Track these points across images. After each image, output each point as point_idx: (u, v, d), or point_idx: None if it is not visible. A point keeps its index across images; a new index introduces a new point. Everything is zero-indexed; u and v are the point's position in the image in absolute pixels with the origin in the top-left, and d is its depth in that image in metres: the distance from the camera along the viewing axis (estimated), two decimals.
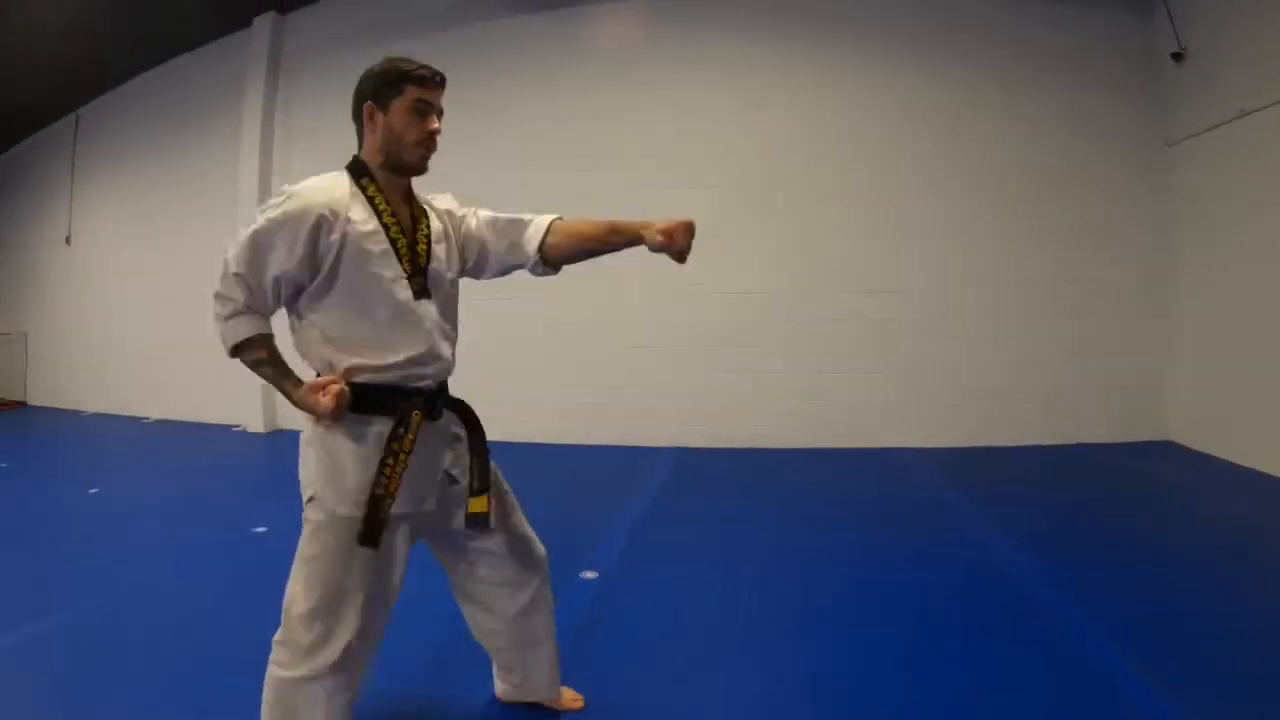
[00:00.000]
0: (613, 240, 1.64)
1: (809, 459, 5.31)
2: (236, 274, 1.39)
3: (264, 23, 6.91)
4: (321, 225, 1.38)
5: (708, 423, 5.77)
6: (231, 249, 1.40)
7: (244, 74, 6.97)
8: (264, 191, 6.67)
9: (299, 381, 1.44)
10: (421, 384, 1.51)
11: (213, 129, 7.48)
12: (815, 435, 5.59)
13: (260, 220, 1.39)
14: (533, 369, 6.11)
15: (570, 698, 1.91)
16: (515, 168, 5.91)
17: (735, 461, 5.30)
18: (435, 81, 1.52)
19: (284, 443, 6.32)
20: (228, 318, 1.41)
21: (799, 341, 5.74)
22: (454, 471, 1.60)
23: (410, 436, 1.44)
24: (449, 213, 1.67)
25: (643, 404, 5.91)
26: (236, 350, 1.43)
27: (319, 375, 1.46)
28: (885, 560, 3.19)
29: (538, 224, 1.66)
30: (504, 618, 1.74)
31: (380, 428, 1.45)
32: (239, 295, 1.40)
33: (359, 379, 1.44)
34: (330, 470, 1.43)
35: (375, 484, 1.40)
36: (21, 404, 10.53)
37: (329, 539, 1.42)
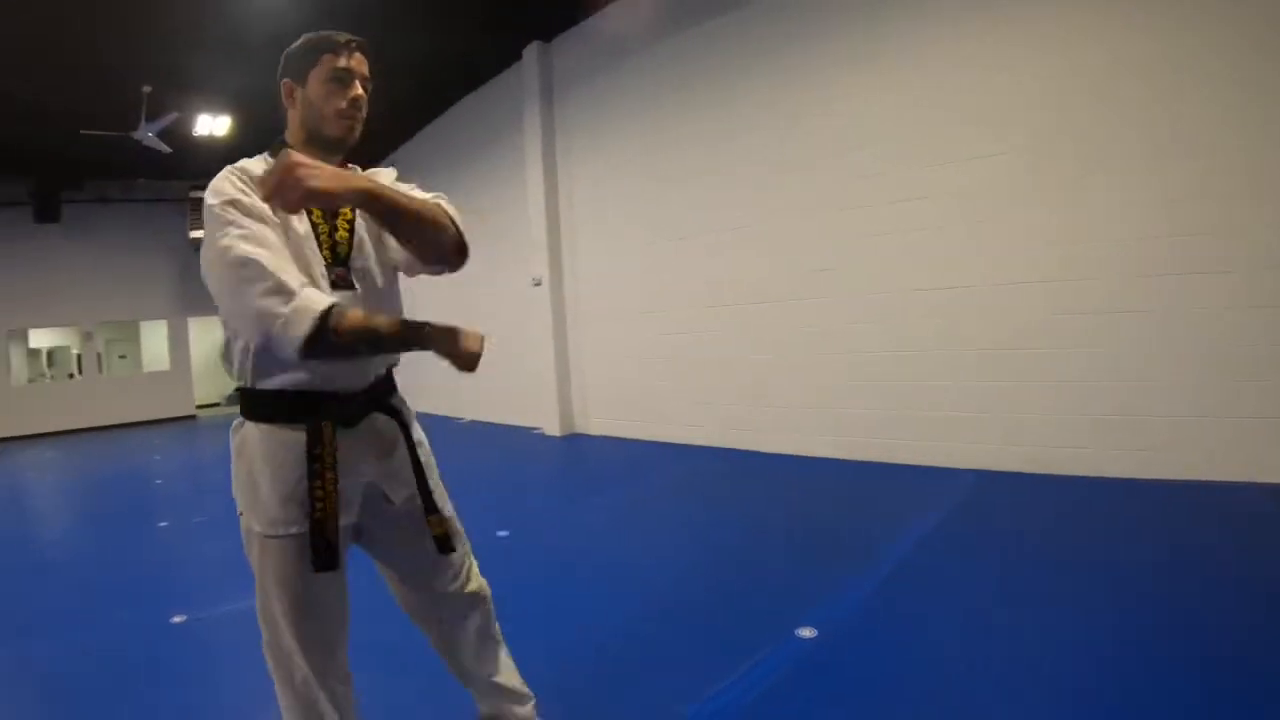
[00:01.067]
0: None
1: (1135, 493, 3.56)
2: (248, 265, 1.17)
3: (532, 52, 7.37)
4: (236, 205, 1.21)
5: (1012, 440, 4.19)
6: (222, 257, 1.19)
7: (521, 102, 7.52)
8: (551, 209, 7.19)
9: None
10: (337, 387, 1.34)
11: (499, 158, 8.28)
12: (1145, 464, 3.74)
13: (207, 226, 1.23)
14: (808, 375, 5.28)
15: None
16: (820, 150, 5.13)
17: (1047, 490, 3.75)
18: (351, 47, 1.39)
19: (580, 445, 6.77)
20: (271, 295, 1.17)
21: (1133, 344, 3.77)
22: (384, 486, 1.44)
23: (329, 449, 1.30)
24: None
25: (937, 415, 4.49)
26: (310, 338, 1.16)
27: (239, 387, 1.37)
28: None
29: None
30: (443, 635, 1.61)
31: (297, 436, 1.31)
32: (281, 276, 1.18)
33: (271, 384, 1.31)
34: (248, 485, 1.33)
35: (314, 507, 1.28)
36: None
37: (256, 556, 1.34)
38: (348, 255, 1.39)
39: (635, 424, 6.51)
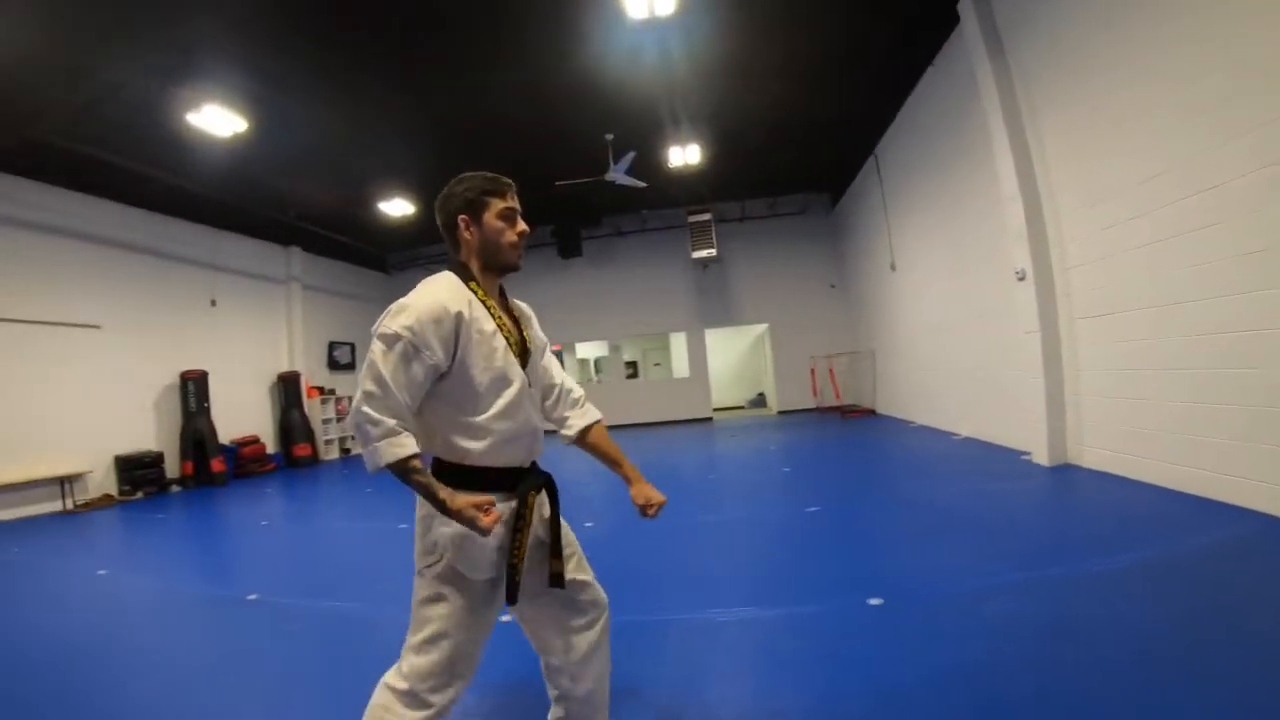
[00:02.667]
0: (613, 468, 1.91)
1: None
2: (381, 394, 1.52)
3: (967, 4, 6.15)
4: (460, 319, 1.58)
5: None
6: (368, 376, 1.53)
7: (970, 66, 6.29)
8: (1026, 183, 5.77)
9: (452, 492, 1.54)
10: (527, 464, 1.74)
11: (961, 137, 7.25)
12: None
13: (398, 331, 1.53)
14: None
15: None
16: None
17: None
18: (512, 191, 1.75)
19: (1069, 479, 5.22)
20: (380, 439, 1.51)
21: None
22: (542, 534, 1.77)
23: (530, 511, 1.68)
24: (531, 319, 1.88)
25: None
26: (390, 468, 1.52)
27: (441, 459, 1.65)
28: None
29: (586, 415, 1.94)
30: (567, 656, 1.82)
31: (501, 504, 1.64)
32: (388, 417, 1.52)
33: (482, 462, 1.64)
34: (464, 543, 1.59)
35: (511, 554, 1.64)
36: (871, 412, 12.66)
37: (458, 600, 1.60)
38: (528, 355, 1.77)
39: (1149, 462, 4.71)
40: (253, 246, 12.82)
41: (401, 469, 1.52)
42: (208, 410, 10.80)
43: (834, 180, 13.59)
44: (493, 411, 1.62)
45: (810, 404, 14.85)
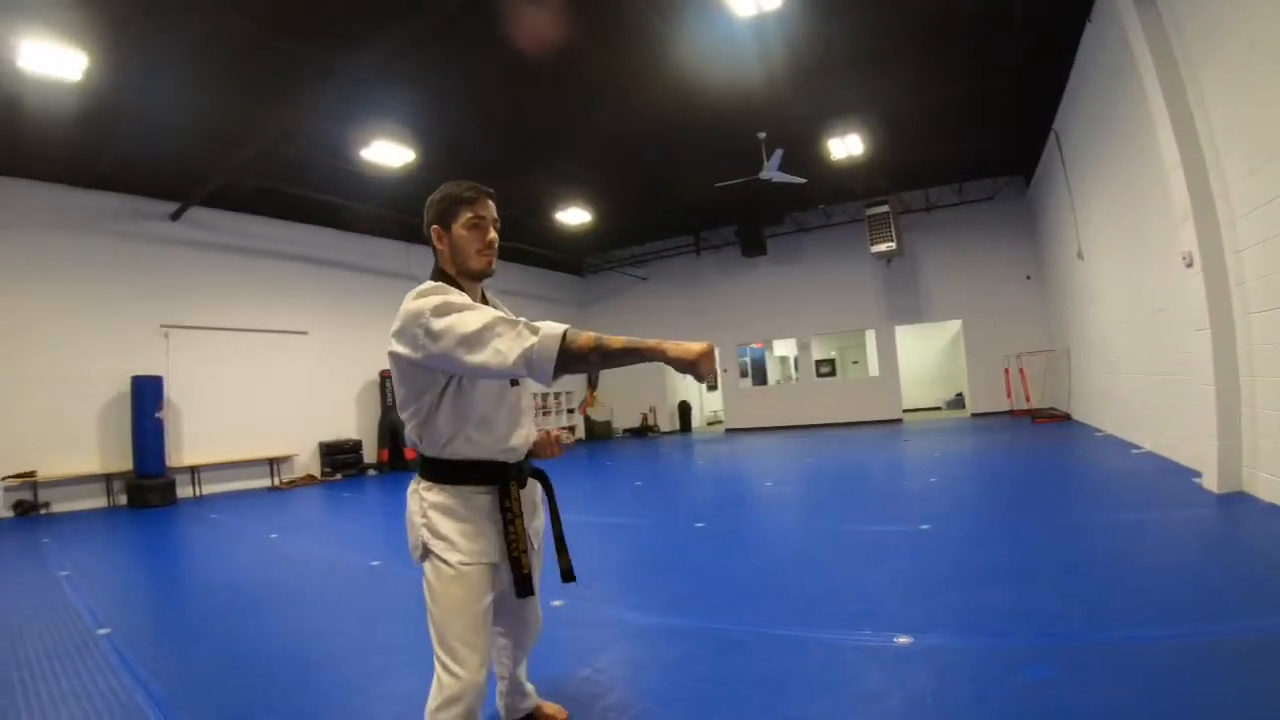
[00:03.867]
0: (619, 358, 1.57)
1: None
2: (482, 321, 1.53)
3: None
4: (449, 299, 1.62)
5: None
6: (454, 336, 1.53)
7: (1119, 21, 5.31)
8: (1188, 151, 4.78)
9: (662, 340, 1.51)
10: (510, 459, 1.77)
11: (1123, 103, 6.15)
12: None
13: (431, 306, 1.58)
14: None
15: (554, 710, 2.16)
16: None
17: None
18: (480, 200, 1.78)
19: (1237, 511, 4.25)
20: (528, 334, 1.51)
21: None
22: (530, 534, 1.83)
23: (515, 503, 1.73)
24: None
25: None
26: (564, 350, 1.49)
27: (424, 455, 1.73)
28: None
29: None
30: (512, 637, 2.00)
31: (486, 497, 1.73)
32: (509, 322, 1.54)
33: (468, 455, 1.71)
34: (464, 531, 1.69)
35: (511, 547, 1.72)
36: (1066, 417, 11.17)
37: (459, 587, 1.66)
38: None
39: None
40: None
41: (572, 342, 1.48)
42: None
43: (1023, 161, 12.12)
44: (480, 406, 1.70)
45: (1006, 406, 13.35)
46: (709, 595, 3.57)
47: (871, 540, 4.53)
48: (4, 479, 8.56)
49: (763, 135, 9.77)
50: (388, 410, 12.49)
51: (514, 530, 1.70)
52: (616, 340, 1.48)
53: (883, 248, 13.43)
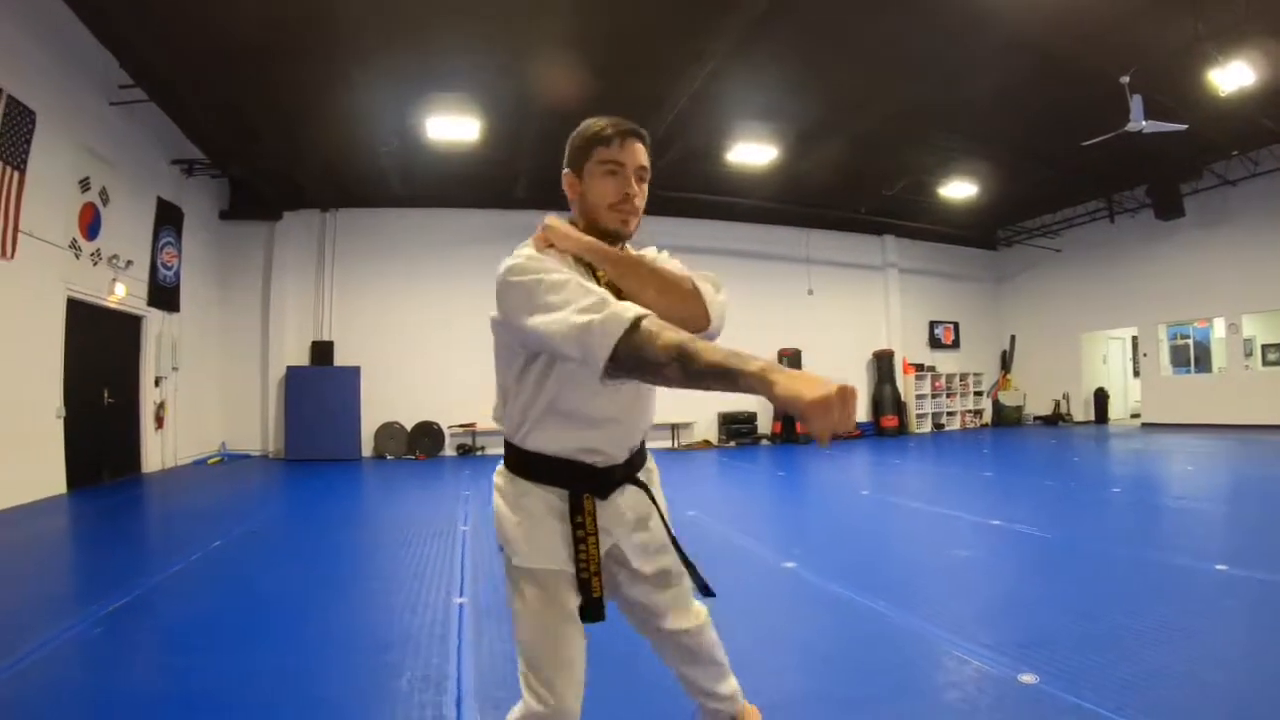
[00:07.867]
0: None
1: None
2: (567, 285, 1.24)
3: None
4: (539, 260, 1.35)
5: None
6: (533, 304, 1.25)
7: None
8: None
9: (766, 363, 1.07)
10: (598, 462, 1.43)
11: None
12: None
13: (522, 264, 1.31)
14: None
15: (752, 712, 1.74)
16: None
17: None
18: (621, 140, 1.41)
19: None
20: (592, 305, 1.20)
21: None
22: (630, 556, 1.50)
23: (589, 519, 1.41)
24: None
25: None
26: (622, 342, 1.14)
27: (508, 442, 1.47)
28: None
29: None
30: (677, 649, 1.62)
31: (557, 498, 1.42)
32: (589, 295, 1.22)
33: (543, 448, 1.41)
34: (526, 530, 1.41)
35: (579, 569, 1.39)
36: None
37: (531, 587, 1.40)
38: None
39: None
40: (844, 239, 15.10)
41: (645, 336, 1.14)
42: None
43: None
44: (577, 391, 1.36)
45: None
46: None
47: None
48: (450, 427, 12.01)
49: (1125, 80, 8.19)
50: None
51: (584, 552, 1.39)
52: (712, 353, 1.09)
53: None
